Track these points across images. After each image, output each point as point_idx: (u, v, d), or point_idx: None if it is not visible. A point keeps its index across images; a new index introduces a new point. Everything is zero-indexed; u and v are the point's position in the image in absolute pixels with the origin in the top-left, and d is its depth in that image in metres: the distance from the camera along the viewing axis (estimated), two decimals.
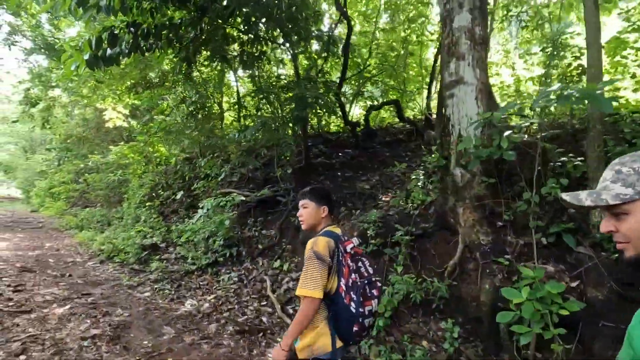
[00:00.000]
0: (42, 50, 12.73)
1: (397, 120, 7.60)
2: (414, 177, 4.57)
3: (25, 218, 14.91)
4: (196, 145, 7.88)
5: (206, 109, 7.37)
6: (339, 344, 1.74)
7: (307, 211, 1.91)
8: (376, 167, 5.83)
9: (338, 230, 1.88)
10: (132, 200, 9.79)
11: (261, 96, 5.44)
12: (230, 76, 8.38)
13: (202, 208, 5.78)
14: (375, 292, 1.81)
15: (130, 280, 5.62)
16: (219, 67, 7.08)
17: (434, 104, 6.22)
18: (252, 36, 5.67)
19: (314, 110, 5.04)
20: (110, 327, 3.77)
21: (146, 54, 5.21)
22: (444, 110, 4.00)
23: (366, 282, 1.80)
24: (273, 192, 5.77)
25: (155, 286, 5.29)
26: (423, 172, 4.73)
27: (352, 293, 1.71)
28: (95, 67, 4.61)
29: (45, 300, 4.50)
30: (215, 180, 7.37)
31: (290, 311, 4.20)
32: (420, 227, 4.10)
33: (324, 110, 4.83)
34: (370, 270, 1.87)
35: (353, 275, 1.76)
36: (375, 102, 7.62)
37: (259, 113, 6.99)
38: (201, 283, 5.42)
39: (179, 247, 6.66)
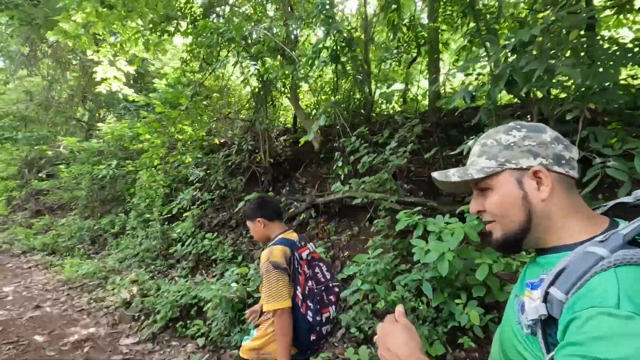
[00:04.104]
0: None
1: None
2: None
3: None
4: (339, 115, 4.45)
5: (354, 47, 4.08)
6: (293, 350, 1.64)
7: (251, 230, 1.89)
8: None
9: (293, 236, 1.81)
10: (154, 205, 6.10)
11: None
12: None
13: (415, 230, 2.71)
14: (332, 297, 1.73)
15: None
16: None
17: None
18: None
19: None
20: None
21: None
22: None
23: (323, 288, 1.71)
24: None
25: None
26: None
27: (308, 302, 1.65)
28: None
29: None
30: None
31: None
32: None
33: None
34: (328, 276, 1.78)
35: (310, 283, 1.68)
36: None
37: None
38: None
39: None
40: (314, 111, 7.42)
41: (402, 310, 0.81)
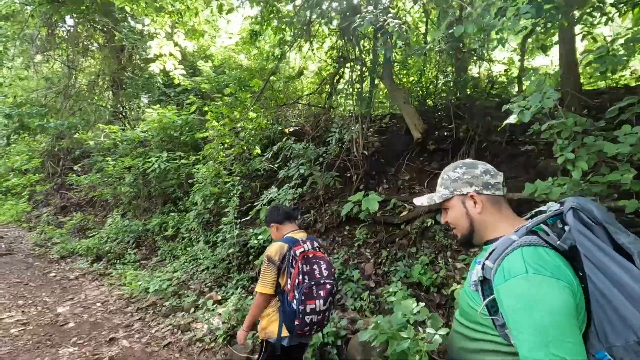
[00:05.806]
0: None
1: None
2: None
3: None
4: None
5: None
6: (285, 333, 1.92)
7: (270, 233, 2.28)
8: None
9: (299, 235, 2.10)
10: (230, 205, 5.04)
11: None
12: None
13: None
14: (322, 292, 1.94)
15: None
16: None
17: None
18: None
19: None
20: None
21: None
22: None
23: (313, 283, 1.93)
24: None
25: None
26: None
27: (296, 291, 1.90)
28: None
29: None
30: None
31: None
32: None
33: None
34: (325, 273, 2.00)
35: (300, 277, 1.92)
36: None
37: None
38: None
39: None
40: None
41: None
